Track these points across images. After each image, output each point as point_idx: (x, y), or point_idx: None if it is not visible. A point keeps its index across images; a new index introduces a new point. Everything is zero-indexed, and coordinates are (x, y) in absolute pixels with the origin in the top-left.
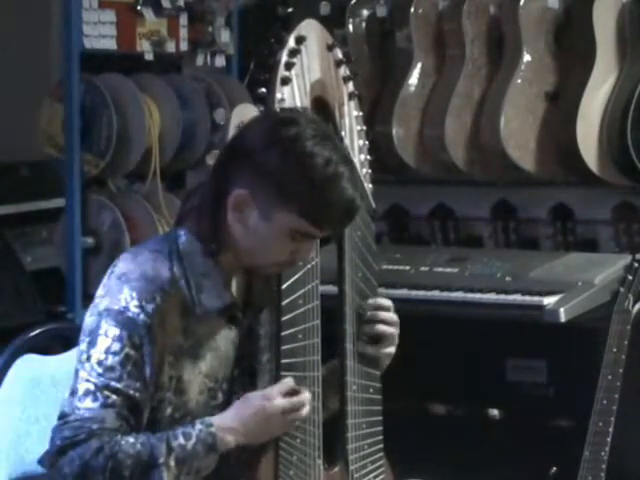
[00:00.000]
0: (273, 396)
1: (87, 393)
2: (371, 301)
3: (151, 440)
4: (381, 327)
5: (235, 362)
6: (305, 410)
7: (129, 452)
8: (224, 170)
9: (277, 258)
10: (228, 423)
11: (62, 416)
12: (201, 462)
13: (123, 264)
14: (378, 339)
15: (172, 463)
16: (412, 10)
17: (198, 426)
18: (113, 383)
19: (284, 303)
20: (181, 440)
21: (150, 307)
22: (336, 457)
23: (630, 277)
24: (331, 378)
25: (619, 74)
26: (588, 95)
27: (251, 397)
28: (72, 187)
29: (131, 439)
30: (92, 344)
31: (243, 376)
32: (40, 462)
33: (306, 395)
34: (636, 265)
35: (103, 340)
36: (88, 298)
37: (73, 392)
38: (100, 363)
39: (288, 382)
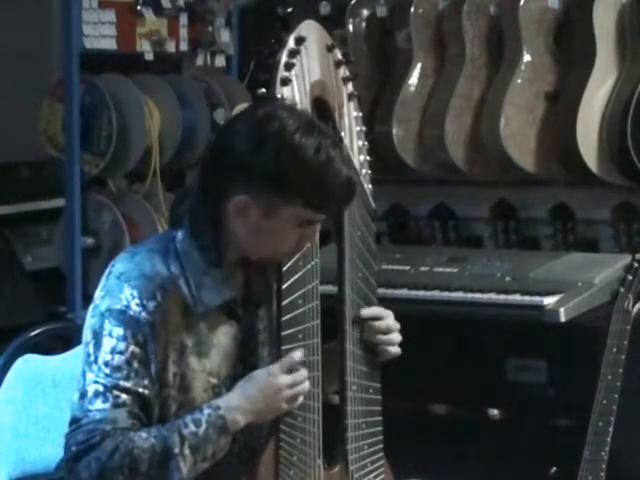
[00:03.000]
0: (277, 372)
1: (97, 394)
2: (364, 312)
3: (162, 432)
4: (377, 337)
5: (237, 359)
6: (307, 384)
7: (144, 447)
8: (215, 180)
9: (286, 248)
10: (235, 403)
11: (74, 421)
12: (215, 446)
13: (121, 264)
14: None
15: (187, 452)
16: (412, 10)
17: (206, 410)
18: (122, 382)
19: (284, 303)
20: (192, 427)
21: (151, 305)
22: (336, 457)
23: (630, 277)
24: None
25: (619, 74)
26: (588, 95)
27: (255, 375)
28: (72, 187)
29: (144, 434)
30: (97, 345)
31: (245, 373)
32: (58, 468)
33: (305, 372)
34: (636, 265)
35: (108, 340)
36: (88, 298)
37: (82, 395)
38: (107, 364)
39: (289, 358)
